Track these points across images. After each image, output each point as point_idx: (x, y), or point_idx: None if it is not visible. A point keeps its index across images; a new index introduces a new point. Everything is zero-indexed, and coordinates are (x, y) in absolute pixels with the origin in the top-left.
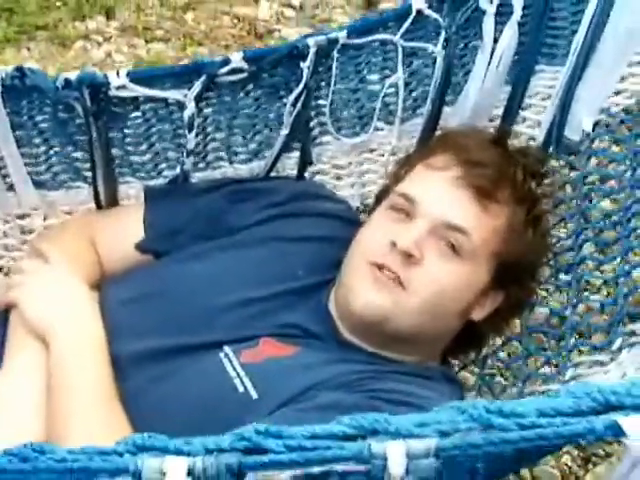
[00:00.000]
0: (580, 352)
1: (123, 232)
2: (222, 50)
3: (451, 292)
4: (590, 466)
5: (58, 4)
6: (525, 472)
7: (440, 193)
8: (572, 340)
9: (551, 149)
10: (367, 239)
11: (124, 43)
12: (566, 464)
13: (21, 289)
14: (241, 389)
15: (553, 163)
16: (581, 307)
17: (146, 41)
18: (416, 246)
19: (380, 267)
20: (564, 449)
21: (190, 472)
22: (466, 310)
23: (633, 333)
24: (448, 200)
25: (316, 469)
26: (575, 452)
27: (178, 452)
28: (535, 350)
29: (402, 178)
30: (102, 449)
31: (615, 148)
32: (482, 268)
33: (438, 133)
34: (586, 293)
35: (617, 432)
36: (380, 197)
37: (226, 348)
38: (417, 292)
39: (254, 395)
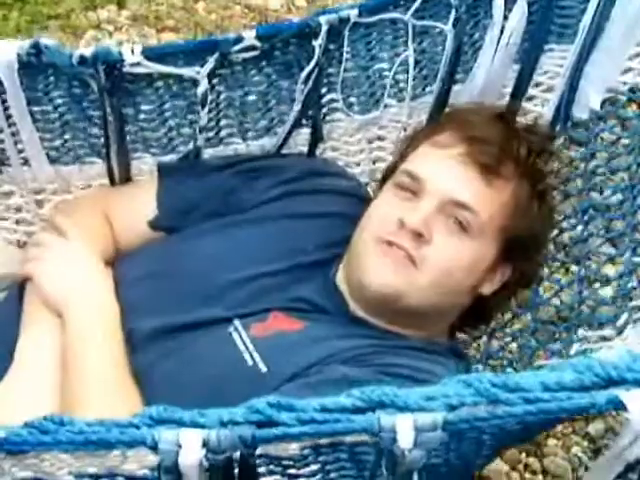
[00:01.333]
0: (586, 327)
1: (136, 209)
2: None
3: (462, 269)
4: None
5: None
6: (535, 462)
7: (445, 171)
8: (578, 315)
9: (559, 127)
10: (375, 217)
11: (135, 33)
12: (576, 455)
13: (37, 263)
14: (250, 362)
15: (561, 141)
16: (588, 283)
17: (157, 31)
18: (424, 225)
19: (389, 244)
20: (574, 440)
21: (205, 444)
22: (476, 285)
23: (639, 308)
24: (454, 177)
25: (325, 440)
26: (585, 443)
27: (193, 424)
28: (542, 325)
29: (407, 156)
30: (119, 421)
31: (622, 126)
32: (490, 244)
33: (446, 110)
34: (593, 267)
35: (618, 406)
36: (387, 175)
37: (235, 322)
38: (429, 270)
39: (263, 368)
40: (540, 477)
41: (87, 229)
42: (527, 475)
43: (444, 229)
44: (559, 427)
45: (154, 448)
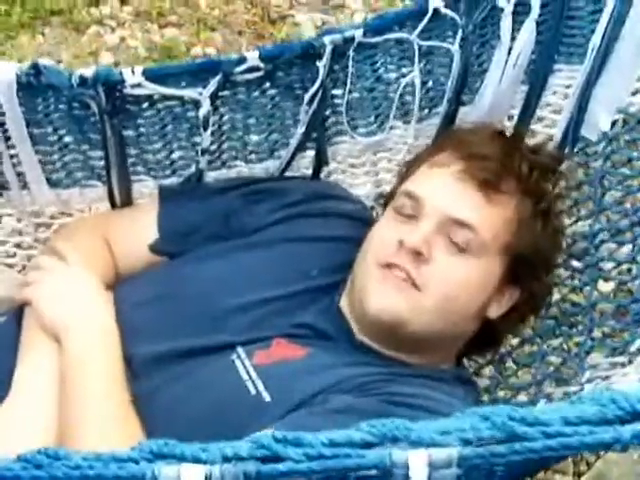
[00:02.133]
0: (597, 353)
1: (137, 233)
2: (235, 36)
3: (465, 289)
4: (601, 452)
5: None
6: None
7: (443, 189)
8: (589, 341)
9: (567, 149)
10: (375, 241)
11: (138, 28)
12: None
13: (37, 287)
14: (253, 392)
15: (570, 162)
16: (598, 308)
17: (160, 26)
18: (424, 243)
19: (389, 267)
20: None
21: None
22: (483, 307)
23: None
24: (452, 195)
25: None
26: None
27: (195, 460)
28: (552, 351)
29: (406, 178)
30: (117, 456)
31: (633, 147)
32: (494, 262)
33: (445, 132)
34: (604, 291)
35: None
36: (388, 199)
37: (239, 349)
38: (431, 292)
39: (267, 398)
40: (542, 472)
41: (87, 253)
42: None
43: (445, 248)
44: None
45: None
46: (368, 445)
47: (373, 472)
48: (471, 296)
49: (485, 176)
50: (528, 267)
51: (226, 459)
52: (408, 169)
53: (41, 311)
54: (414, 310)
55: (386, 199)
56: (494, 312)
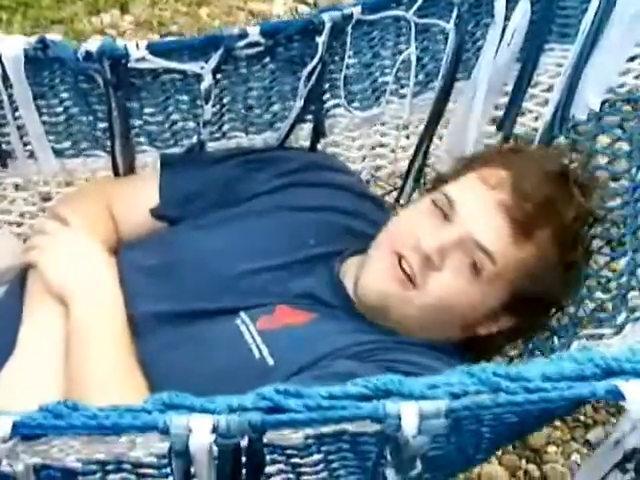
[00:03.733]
0: (585, 325)
1: (139, 198)
2: None
3: (459, 307)
4: None
5: None
6: (535, 470)
7: (480, 211)
8: (577, 314)
9: (556, 127)
10: (400, 225)
11: (139, 38)
12: (576, 462)
13: (41, 251)
14: (257, 355)
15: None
16: (587, 281)
17: (160, 36)
18: (438, 252)
19: (399, 258)
20: (573, 447)
21: (215, 429)
22: (471, 326)
23: (637, 308)
24: (485, 221)
25: (329, 429)
26: (585, 450)
27: (203, 410)
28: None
29: (456, 177)
30: (131, 407)
31: (622, 126)
32: (497, 293)
33: (508, 145)
34: (593, 267)
35: (617, 396)
36: (433, 185)
37: (242, 314)
38: (426, 294)
39: (270, 361)
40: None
41: (89, 217)
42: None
43: (457, 264)
44: (558, 434)
45: (165, 432)
46: (364, 398)
47: (369, 429)
48: (462, 315)
49: (523, 219)
50: (531, 306)
51: (232, 410)
52: (460, 168)
53: (46, 274)
54: (403, 304)
55: (429, 186)
56: (483, 331)
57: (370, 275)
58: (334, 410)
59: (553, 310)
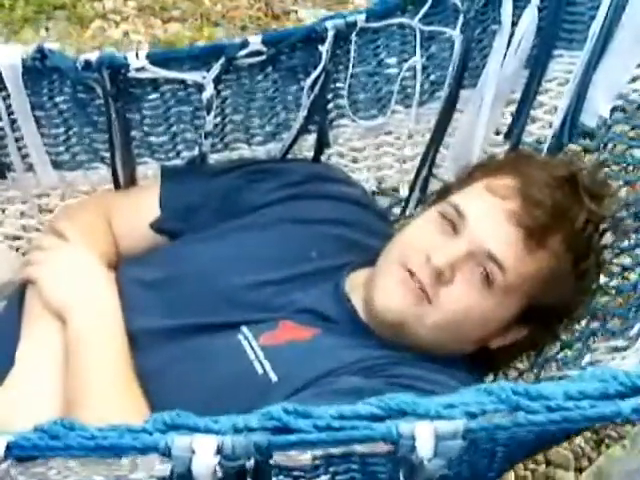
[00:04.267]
0: (597, 338)
1: (139, 211)
2: (238, 31)
3: (474, 320)
4: (603, 448)
5: None
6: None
7: (490, 222)
8: (590, 325)
9: (566, 136)
10: (408, 240)
11: (141, 23)
12: (579, 446)
13: (40, 266)
14: (260, 371)
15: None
16: (599, 292)
17: (163, 21)
18: (449, 267)
19: (410, 274)
20: None
21: (219, 450)
22: (485, 338)
23: None
24: (496, 232)
25: (337, 450)
26: (588, 434)
27: (207, 431)
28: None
29: (462, 188)
30: (131, 427)
31: (632, 134)
32: (511, 304)
33: (514, 153)
34: (605, 279)
35: None
36: (436, 198)
37: (244, 329)
38: (440, 310)
39: (274, 378)
40: (543, 466)
41: (88, 232)
42: (530, 465)
43: (469, 276)
44: None
45: (167, 454)
46: (376, 418)
47: (379, 449)
48: (477, 327)
49: (534, 226)
50: (544, 316)
51: (237, 430)
52: (465, 178)
53: (44, 290)
54: (417, 319)
55: (435, 197)
56: (495, 344)
57: (384, 293)
58: (345, 431)
59: (565, 320)
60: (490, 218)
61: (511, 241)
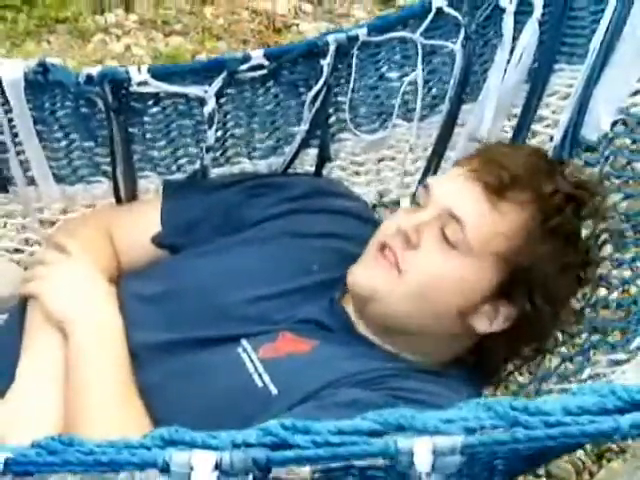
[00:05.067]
0: (597, 351)
1: (140, 226)
2: (240, 44)
3: (444, 285)
4: (604, 462)
5: None
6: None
7: (451, 184)
8: (590, 339)
9: (567, 150)
10: (383, 225)
11: (143, 37)
12: (580, 459)
13: (41, 281)
14: (260, 384)
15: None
16: (599, 306)
17: (165, 35)
18: (415, 230)
19: (383, 247)
20: None
21: (217, 466)
22: (464, 311)
23: None
24: (455, 190)
25: (336, 465)
26: (589, 447)
27: (205, 446)
28: (552, 348)
29: None
30: (129, 442)
31: (633, 147)
32: (482, 268)
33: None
34: (604, 292)
35: None
36: None
37: (244, 342)
38: (410, 277)
39: (274, 391)
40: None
41: (89, 247)
42: (531, 478)
43: (435, 239)
44: None
45: (165, 470)
46: (374, 433)
47: (378, 463)
48: (449, 292)
49: (493, 181)
50: (522, 285)
51: (236, 446)
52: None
53: (46, 305)
54: (389, 290)
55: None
56: (482, 326)
57: (357, 270)
58: (343, 446)
59: (557, 315)
60: (451, 181)
61: (470, 196)
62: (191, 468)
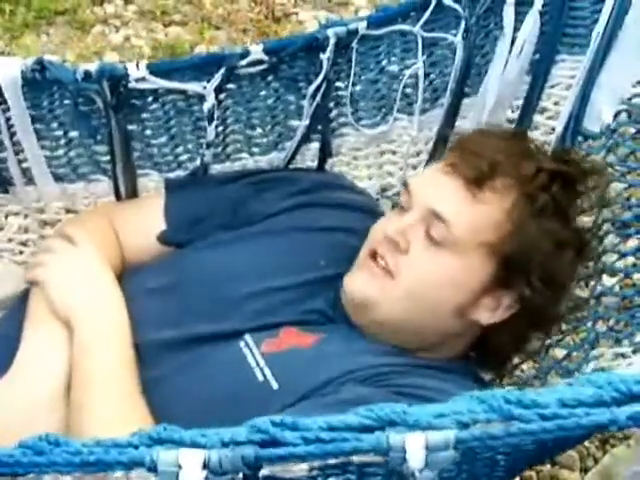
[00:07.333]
0: (602, 344)
1: (144, 224)
2: (240, 34)
3: (439, 282)
4: (608, 447)
5: None
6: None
7: (430, 182)
8: (594, 331)
9: (569, 140)
10: (372, 230)
11: (142, 27)
12: (584, 445)
13: (47, 268)
14: (261, 379)
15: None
16: (603, 299)
17: (164, 25)
18: (400, 234)
19: (374, 254)
20: None
21: (206, 465)
22: (463, 307)
23: None
24: (435, 188)
25: (334, 460)
26: None
27: (194, 444)
28: (557, 342)
29: None
30: (117, 441)
31: (636, 139)
32: (474, 262)
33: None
34: (608, 284)
35: None
36: None
37: (247, 337)
38: (403, 281)
39: (274, 385)
40: (548, 467)
41: (97, 239)
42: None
43: (422, 240)
44: None
45: (153, 469)
46: (366, 429)
47: (374, 459)
48: (445, 291)
49: (472, 173)
50: (519, 271)
51: (224, 444)
52: None
53: (50, 292)
54: (384, 297)
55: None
56: (485, 318)
57: (349, 279)
58: (334, 443)
59: (559, 298)
60: (430, 180)
61: (451, 192)
62: (179, 467)
